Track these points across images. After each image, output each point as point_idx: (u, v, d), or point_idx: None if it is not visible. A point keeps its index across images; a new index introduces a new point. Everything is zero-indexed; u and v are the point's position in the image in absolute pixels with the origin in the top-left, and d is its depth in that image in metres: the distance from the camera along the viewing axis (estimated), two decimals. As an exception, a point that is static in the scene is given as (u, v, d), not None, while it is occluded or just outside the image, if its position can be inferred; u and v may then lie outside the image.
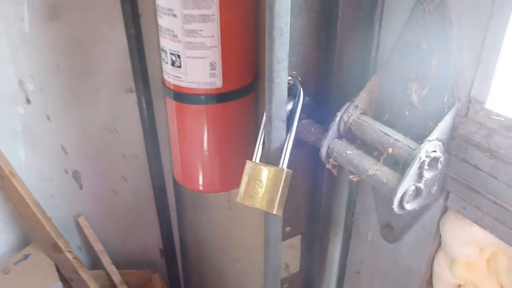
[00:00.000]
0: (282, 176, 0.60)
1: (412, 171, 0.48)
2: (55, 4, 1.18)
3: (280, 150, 0.62)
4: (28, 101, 1.27)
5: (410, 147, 0.50)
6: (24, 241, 1.36)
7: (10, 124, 1.26)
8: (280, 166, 0.61)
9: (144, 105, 1.34)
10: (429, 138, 0.48)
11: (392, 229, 0.62)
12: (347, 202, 0.72)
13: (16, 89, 1.24)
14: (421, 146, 0.48)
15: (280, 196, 0.60)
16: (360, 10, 0.59)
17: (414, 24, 0.51)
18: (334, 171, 0.59)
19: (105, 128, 1.41)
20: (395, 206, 0.49)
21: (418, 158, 0.48)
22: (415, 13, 0.50)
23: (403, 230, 0.60)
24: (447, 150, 0.51)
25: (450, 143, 0.51)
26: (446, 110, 0.49)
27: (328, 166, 0.59)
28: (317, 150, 0.62)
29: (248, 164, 0.64)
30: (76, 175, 1.43)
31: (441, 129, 0.49)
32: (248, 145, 0.99)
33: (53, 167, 1.37)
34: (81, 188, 1.45)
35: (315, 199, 0.75)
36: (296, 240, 0.83)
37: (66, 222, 1.46)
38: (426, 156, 0.48)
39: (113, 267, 1.45)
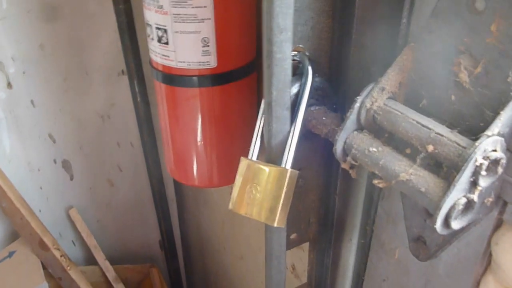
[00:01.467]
0: (285, 178, 0.47)
1: (464, 178, 0.35)
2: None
3: (283, 145, 0.48)
4: (9, 85, 1.16)
5: (459, 145, 0.36)
6: (11, 236, 1.27)
7: (-10, 110, 1.15)
8: (283, 165, 0.48)
9: (137, 89, 1.24)
10: (487, 132, 0.35)
11: (425, 245, 0.49)
12: (367, 205, 0.59)
13: (-5, 72, 1.13)
14: (476, 144, 0.34)
15: (283, 204, 0.47)
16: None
17: (465, -25, 0.37)
18: (353, 173, 0.46)
19: (97, 114, 1.32)
20: (438, 225, 0.36)
21: (472, 161, 0.34)
22: (467, -40, 0.36)
23: (440, 246, 0.47)
24: (508, 148, 0.37)
25: (514, 138, 0.37)
26: (511, 94, 0.35)
27: (344, 166, 0.46)
28: (330, 143, 0.48)
29: (243, 162, 0.51)
30: (66, 165, 1.34)
31: (504, 120, 0.35)
32: (249, 134, 0.86)
33: (41, 156, 1.28)
34: (72, 179, 1.36)
35: (328, 201, 0.62)
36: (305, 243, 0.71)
37: (58, 215, 1.38)
38: (484, 158, 0.35)
39: (107, 263, 1.36)
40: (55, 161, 1.31)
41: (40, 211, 1.31)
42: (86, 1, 1.15)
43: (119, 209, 1.50)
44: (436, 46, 0.41)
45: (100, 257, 1.35)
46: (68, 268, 1.17)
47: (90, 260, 1.44)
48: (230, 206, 0.51)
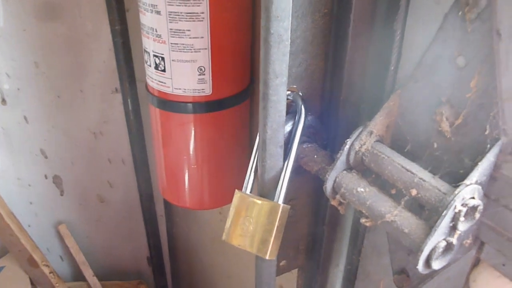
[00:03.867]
0: (278, 212, 0.50)
1: (444, 223, 0.37)
2: (31, -3, 1.08)
3: (276, 180, 0.51)
4: (3, 101, 1.17)
5: (440, 191, 0.39)
6: (0, 251, 1.27)
7: (-17, 126, 1.16)
8: (276, 200, 0.51)
9: (130, 107, 1.25)
10: (466, 181, 0.38)
11: (408, 277, 0.51)
12: (353, 236, 0.62)
13: (-11, 88, 1.13)
14: (456, 192, 0.37)
15: (275, 237, 0.50)
16: (377, 14, 0.48)
17: (448, 34, 0.40)
18: (341, 209, 0.49)
19: (89, 130, 1.32)
20: (420, 265, 0.39)
21: (452, 207, 0.37)
22: (450, 20, 0.39)
23: (422, 279, 0.50)
24: (485, 194, 0.40)
25: (490, 185, 0.40)
26: (487, 146, 0.38)
27: (333, 203, 0.49)
28: (320, 178, 0.51)
29: (237, 195, 0.53)
30: (56, 181, 1.34)
31: (481, 170, 0.38)
32: (240, 158, 0.89)
33: (32, 172, 1.28)
34: (62, 194, 1.36)
35: (316, 231, 0.65)
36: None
37: (47, 230, 1.37)
38: (462, 205, 0.37)
39: (95, 279, 1.36)
40: (46, 177, 1.31)
41: (29, 226, 1.31)
42: (83, 22, 1.16)
43: (109, 225, 1.50)
44: (420, 95, 0.44)
45: (88, 273, 1.35)
46: (57, 285, 1.17)
47: (77, 276, 1.43)
48: (224, 237, 0.53)
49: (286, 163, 0.51)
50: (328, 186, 0.47)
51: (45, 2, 1.09)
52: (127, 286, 1.51)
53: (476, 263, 0.45)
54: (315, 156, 0.51)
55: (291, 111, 0.53)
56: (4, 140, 1.19)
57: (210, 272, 1.43)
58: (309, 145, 0.53)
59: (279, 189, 0.50)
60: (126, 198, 1.48)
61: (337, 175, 0.47)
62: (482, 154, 0.39)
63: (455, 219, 0.38)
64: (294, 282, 0.80)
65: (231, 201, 0.91)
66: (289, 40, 0.43)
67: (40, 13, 1.10)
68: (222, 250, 1.30)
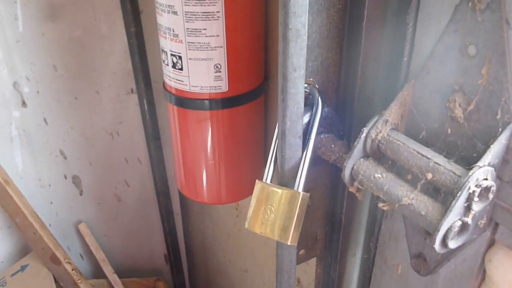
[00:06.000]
0: (298, 200, 0.52)
1: (459, 203, 0.39)
2: (50, 2, 1.11)
3: (296, 170, 0.53)
4: (24, 104, 1.21)
5: (455, 173, 0.41)
6: (23, 249, 1.31)
7: (5, 128, 1.20)
8: (295, 188, 0.53)
9: (146, 107, 1.28)
10: (479, 163, 0.40)
11: (426, 261, 0.53)
12: (370, 224, 0.64)
13: (11, 92, 1.17)
14: (470, 174, 0.39)
15: (295, 224, 0.52)
16: (390, 8, 0.50)
17: (459, 25, 0.42)
18: (359, 196, 0.51)
19: (106, 131, 1.36)
20: (437, 244, 0.41)
21: (466, 188, 0.39)
22: (460, 11, 0.41)
23: (439, 262, 0.52)
24: (498, 176, 0.42)
25: (503, 167, 0.42)
26: (499, 129, 0.40)
27: (352, 189, 0.51)
28: (337, 167, 0.53)
29: (258, 185, 0.55)
30: (76, 181, 1.37)
31: (494, 152, 0.40)
32: (257, 153, 0.91)
33: (52, 172, 1.31)
34: (81, 194, 1.40)
35: (334, 220, 0.67)
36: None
37: (67, 229, 1.41)
38: (476, 186, 0.39)
39: (115, 276, 1.39)
40: (65, 177, 1.35)
41: (50, 225, 1.34)
42: (98, 24, 1.19)
43: (126, 224, 1.53)
44: (433, 85, 0.46)
45: (108, 270, 1.38)
46: (79, 281, 1.20)
47: (97, 273, 1.47)
48: (246, 225, 0.55)
49: (304, 153, 0.53)
50: (346, 173, 0.49)
51: (61, 5, 1.12)
52: (145, 283, 1.54)
53: (491, 244, 0.47)
54: (333, 146, 0.54)
55: (308, 103, 0.55)
56: (25, 141, 1.23)
57: (226, 267, 1.45)
58: (326, 136, 0.55)
59: (299, 178, 0.53)
60: (142, 196, 1.51)
61: (354, 163, 0.49)
62: (494, 137, 0.41)
63: (469, 199, 0.40)
64: (311, 275, 0.82)
65: (247, 195, 0.93)
66: (306, 35, 0.46)
67: (56, 16, 1.13)
68: (238, 245, 1.33)
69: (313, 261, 0.76)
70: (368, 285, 0.68)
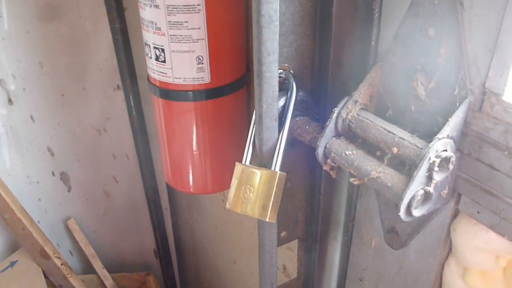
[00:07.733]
0: (275, 179, 0.55)
1: (421, 173, 0.43)
2: (35, 0, 1.12)
3: (273, 151, 0.56)
4: (10, 101, 1.21)
5: (417, 146, 0.44)
6: (13, 246, 1.31)
7: (-8, 126, 1.20)
8: (273, 168, 0.56)
9: (132, 103, 1.29)
10: (439, 135, 0.43)
11: (397, 235, 0.57)
12: (347, 204, 0.67)
13: (-4, 89, 1.18)
14: (430, 145, 0.42)
15: (273, 202, 0.55)
16: (358, -6, 0.53)
17: (419, 8, 0.45)
18: (333, 173, 0.54)
19: (93, 127, 1.37)
20: (401, 213, 0.44)
21: (427, 159, 0.42)
22: (420, -4, 0.45)
23: (409, 235, 0.55)
24: (458, 149, 0.45)
25: (462, 140, 0.45)
26: (457, 104, 0.44)
27: (325, 168, 0.54)
28: (313, 149, 0.56)
29: (238, 166, 0.58)
30: (64, 177, 1.39)
31: (452, 125, 0.43)
32: (240, 143, 0.93)
33: (40, 169, 1.32)
34: (69, 191, 1.41)
35: (313, 201, 0.70)
36: (293, 243, 0.78)
37: (56, 226, 1.42)
38: (436, 156, 0.43)
39: (105, 271, 1.41)
40: (53, 174, 1.36)
41: (38, 222, 1.35)
42: (83, 22, 1.21)
43: (115, 219, 1.54)
44: (398, 66, 0.49)
45: (98, 265, 1.40)
46: (69, 276, 1.22)
47: (87, 269, 1.48)
48: (227, 206, 0.58)
49: (281, 134, 0.56)
50: (320, 152, 0.52)
51: (46, 3, 1.14)
52: (135, 278, 1.56)
53: (455, 214, 0.50)
54: (307, 127, 0.57)
55: (284, 88, 0.58)
56: (12, 139, 1.24)
57: (215, 259, 1.47)
58: (301, 118, 0.58)
59: (276, 158, 0.56)
60: (131, 192, 1.52)
61: (327, 142, 0.52)
62: (452, 112, 0.44)
63: (430, 169, 0.43)
64: (295, 261, 0.84)
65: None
66: (278, 21, 0.48)
67: (42, 14, 1.14)
68: (225, 237, 1.35)
69: (297, 247, 0.79)
70: (347, 264, 0.71)
